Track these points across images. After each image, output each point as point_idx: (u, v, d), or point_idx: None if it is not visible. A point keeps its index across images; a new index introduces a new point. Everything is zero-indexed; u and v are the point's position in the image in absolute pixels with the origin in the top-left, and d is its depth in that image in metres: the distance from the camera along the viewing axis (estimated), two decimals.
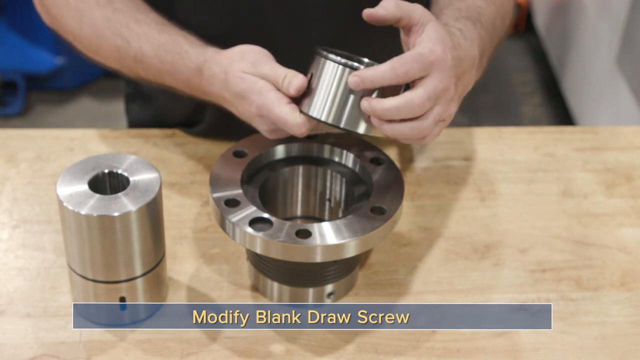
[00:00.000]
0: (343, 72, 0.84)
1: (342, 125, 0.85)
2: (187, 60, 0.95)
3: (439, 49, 0.83)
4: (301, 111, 0.86)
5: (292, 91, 0.86)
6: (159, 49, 0.97)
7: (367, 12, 0.86)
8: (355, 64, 0.84)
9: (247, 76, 0.89)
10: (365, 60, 0.90)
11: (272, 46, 0.93)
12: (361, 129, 0.86)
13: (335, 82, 0.85)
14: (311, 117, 0.86)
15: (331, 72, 0.85)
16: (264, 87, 0.88)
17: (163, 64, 0.98)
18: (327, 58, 0.85)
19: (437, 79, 0.83)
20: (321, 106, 0.85)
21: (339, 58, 0.85)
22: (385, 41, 1.02)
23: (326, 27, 1.09)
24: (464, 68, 0.89)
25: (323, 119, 0.85)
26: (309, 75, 0.87)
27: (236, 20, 1.07)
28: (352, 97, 0.84)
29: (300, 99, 0.87)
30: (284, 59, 0.91)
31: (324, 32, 1.09)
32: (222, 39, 0.96)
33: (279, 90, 0.87)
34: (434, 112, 0.84)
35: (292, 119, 0.86)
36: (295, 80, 0.86)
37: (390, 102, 0.82)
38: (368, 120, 0.85)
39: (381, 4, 0.86)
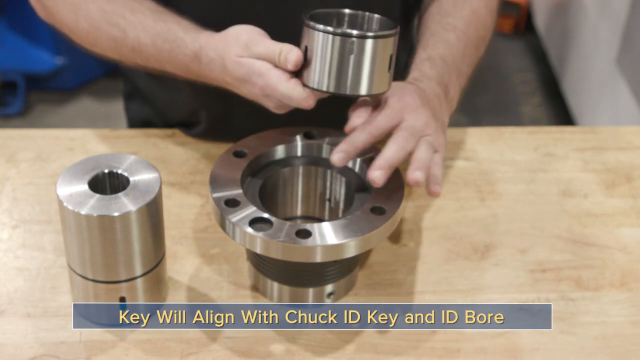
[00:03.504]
0: (334, 40, 0.85)
1: (345, 92, 0.87)
2: (184, 48, 0.96)
3: (407, 98, 0.91)
4: (304, 84, 0.87)
5: (290, 67, 0.87)
6: (156, 38, 0.97)
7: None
8: (347, 31, 0.85)
9: (243, 60, 0.90)
10: (347, 11, 0.92)
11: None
12: (363, 90, 0.87)
13: (329, 52, 0.85)
14: (314, 89, 0.87)
15: (322, 42, 0.85)
16: (263, 67, 0.89)
17: (161, 53, 0.98)
18: (315, 29, 0.85)
19: (413, 118, 0.90)
20: (320, 77, 0.86)
21: (327, 27, 0.85)
22: None
23: None
24: (434, 102, 0.96)
25: (324, 89, 0.87)
26: (303, 47, 0.87)
27: (229, 9, 1.07)
28: (350, 62, 0.85)
29: (300, 70, 0.88)
30: None
31: None
32: (216, 28, 0.96)
33: (277, 67, 0.88)
34: (425, 141, 0.90)
35: (297, 94, 0.87)
36: (290, 55, 0.86)
37: (386, 153, 0.88)
38: (368, 81, 0.87)
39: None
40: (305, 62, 0.87)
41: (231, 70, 0.91)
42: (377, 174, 0.86)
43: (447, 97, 0.99)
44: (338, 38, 0.85)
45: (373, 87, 0.87)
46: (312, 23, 0.86)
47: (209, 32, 0.95)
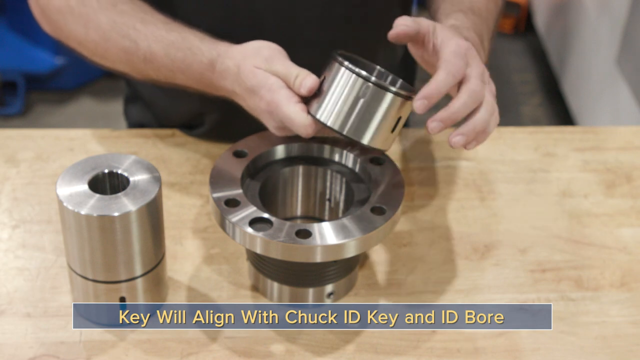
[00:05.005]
0: (356, 81, 0.84)
1: (345, 133, 0.86)
2: (199, 56, 0.95)
3: (462, 42, 0.88)
4: (309, 112, 0.87)
5: (304, 91, 0.86)
6: (169, 48, 0.97)
7: (392, 34, 0.88)
8: (372, 77, 0.84)
9: (259, 71, 0.89)
10: (378, 67, 0.92)
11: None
12: (365, 139, 0.86)
13: (347, 90, 0.85)
14: (318, 120, 0.86)
15: (344, 80, 0.85)
16: (275, 84, 0.88)
17: (174, 62, 0.97)
18: (342, 64, 0.85)
19: (475, 64, 0.88)
20: (329, 111, 0.86)
21: (352, 66, 0.84)
22: (379, 42, 1.02)
23: (322, 29, 1.09)
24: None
25: (329, 124, 0.86)
26: (322, 77, 0.87)
27: (232, 22, 1.07)
28: (360, 106, 0.85)
29: (310, 99, 0.87)
30: None
31: (320, 33, 1.09)
32: (219, 39, 0.96)
33: (290, 88, 0.88)
34: (488, 90, 0.89)
35: (299, 119, 0.86)
36: (306, 80, 0.86)
37: (456, 103, 0.85)
38: (372, 132, 0.86)
39: (398, 21, 0.88)
40: (319, 92, 0.86)
41: (244, 78, 0.90)
42: (457, 139, 0.85)
43: (482, 46, 0.98)
44: (358, 79, 0.84)
45: (375, 139, 0.86)
46: (340, 58, 0.85)
47: (227, 43, 0.95)
